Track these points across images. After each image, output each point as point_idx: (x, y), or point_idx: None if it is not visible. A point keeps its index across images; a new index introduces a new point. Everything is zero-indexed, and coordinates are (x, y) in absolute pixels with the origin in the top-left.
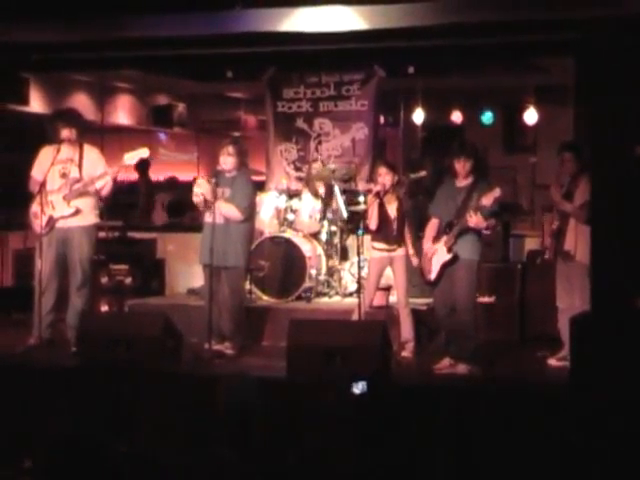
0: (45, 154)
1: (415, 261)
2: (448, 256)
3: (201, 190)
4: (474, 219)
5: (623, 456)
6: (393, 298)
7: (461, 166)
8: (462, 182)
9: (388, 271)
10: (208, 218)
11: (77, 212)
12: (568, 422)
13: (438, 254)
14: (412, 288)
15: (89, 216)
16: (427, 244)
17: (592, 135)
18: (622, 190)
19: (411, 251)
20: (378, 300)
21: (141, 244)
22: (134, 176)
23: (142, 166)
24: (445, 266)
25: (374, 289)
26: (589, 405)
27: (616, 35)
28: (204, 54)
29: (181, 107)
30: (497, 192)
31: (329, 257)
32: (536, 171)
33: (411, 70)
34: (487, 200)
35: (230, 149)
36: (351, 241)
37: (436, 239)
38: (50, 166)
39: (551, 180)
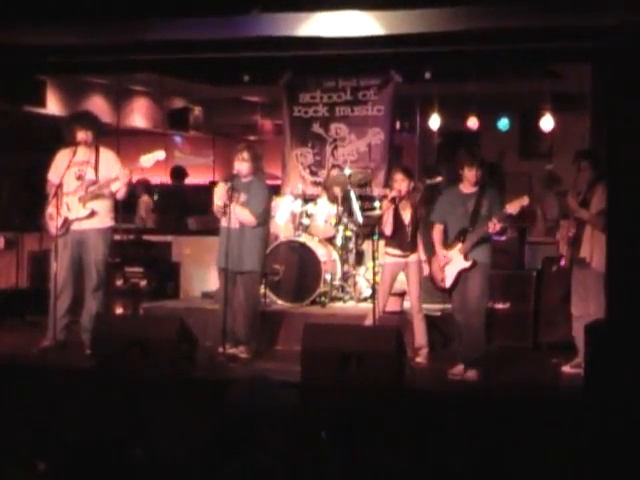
0: (61, 156)
1: (426, 269)
2: (467, 263)
3: (219, 197)
4: (497, 227)
5: (638, 463)
6: (407, 304)
7: (473, 174)
8: (469, 189)
9: (403, 276)
10: (224, 222)
11: (93, 214)
12: (582, 429)
13: (453, 261)
14: (425, 294)
15: (105, 219)
16: (441, 252)
17: (608, 142)
18: (639, 198)
19: (423, 257)
20: (392, 305)
21: (156, 247)
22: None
23: (179, 174)
24: (461, 273)
25: (387, 294)
26: (603, 412)
27: (633, 42)
28: (221, 58)
29: (197, 111)
30: (525, 200)
31: (344, 262)
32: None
33: (428, 76)
34: (513, 208)
35: (245, 155)
36: (366, 246)
37: (448, 246)
38: (66, 168)
39: (567, 187)
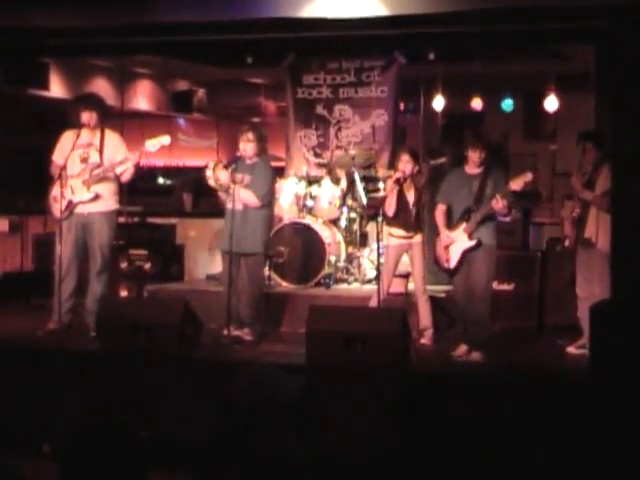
0: (66, 138)
1: (430, 253)
2: (471, 243)
3: (213, 174)
4: (500, 203)
5: None
6: (412, 285)
7: (477, 156)
8: (474, 170)
9: (407, 258)
10: (228, 204)
11: (96, 197)
12: (587, 410)
13: (458, 241)
14: (430, 276)
15: (109, 201)
16: (444, 232)
17: (613, 123)
18: None
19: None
20: (397, 287)
21: (161, 230)
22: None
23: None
24: (466, 253)
25: (391, 276)
26: (608, 393)
27: (636, 22)
28: (224, 40)
29: (201, 93)
30: (528, 176)
31: (348, 244)
32: (556, 159)
33: (431, 57)
34: (517, 184)
35: (250, 135)
36: (370, 228)
37: (453, 227)
38: (71, 151)
39: (572, 168)
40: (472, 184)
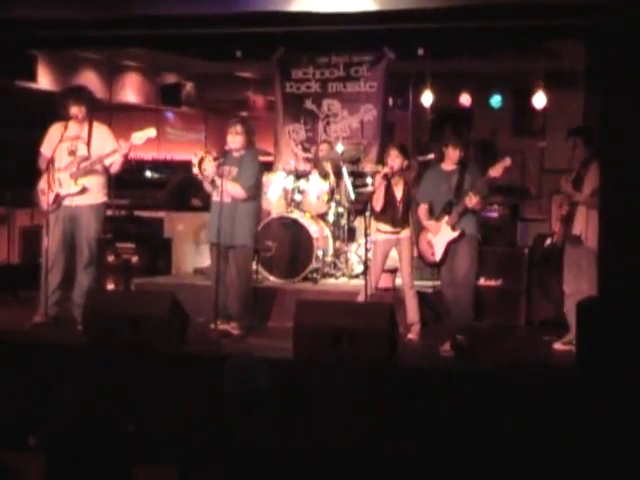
0: (54, 131)
1: (414, 250)
2: (454, 234)
3: (200, 165)
4: (473, 201)
5: (628, 440)
6: (399, 280)
7: (456, 154)
8: (451, 166)
9: (395, 253)
10: (215, 197)
11: (84, 190)
12: (573, 406)
13: (441, 234)
14: (416, 271)
15: (97, 195)
16: (429, 223)
17: (601, 120)
18: (631, 175)
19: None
20: (384, 282)
21: (148, 223)
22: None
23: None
24: (451, 244)
25: (380, 271)
26: (594, 389)
27: (627, 20)
28: (213, 33)
29: (190, 86)
30: (507, 161)
31: (336, 238)
32: (545, 155)
33: (421, 52)
34: (496, 171)
35: (238, 128)
36: (358, 223)
37: (435, 220)
38: (58, 143)
39: (560, 164)
40: (451, 180)
